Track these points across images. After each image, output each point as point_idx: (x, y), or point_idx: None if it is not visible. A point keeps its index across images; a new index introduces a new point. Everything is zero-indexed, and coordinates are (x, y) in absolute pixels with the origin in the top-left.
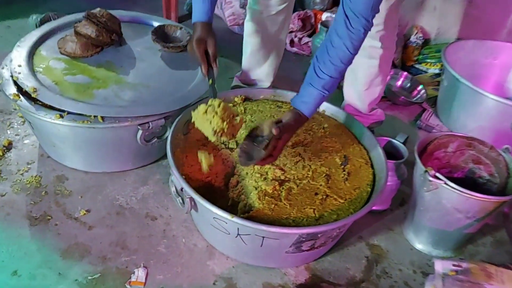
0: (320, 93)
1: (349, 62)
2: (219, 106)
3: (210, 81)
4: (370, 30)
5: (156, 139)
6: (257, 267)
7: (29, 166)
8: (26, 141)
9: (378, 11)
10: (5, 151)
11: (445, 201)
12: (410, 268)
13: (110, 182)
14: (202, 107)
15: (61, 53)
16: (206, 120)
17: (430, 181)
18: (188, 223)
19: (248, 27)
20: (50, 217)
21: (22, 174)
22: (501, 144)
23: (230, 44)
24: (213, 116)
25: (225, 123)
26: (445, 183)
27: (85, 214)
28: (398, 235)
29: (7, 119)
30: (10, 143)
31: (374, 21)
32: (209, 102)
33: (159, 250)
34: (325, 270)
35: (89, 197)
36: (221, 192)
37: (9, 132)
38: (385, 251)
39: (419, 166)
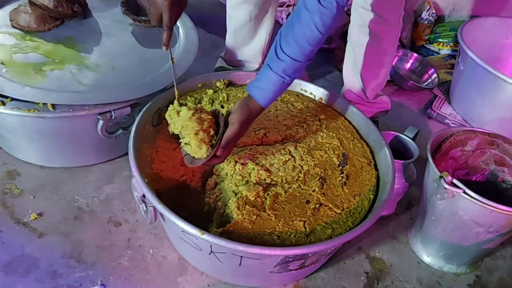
0: (279, 79)
1: (317, 43)
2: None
3: (174, 60)
4: (344, 4)
5: (121, 130)
6: (236, 285)
7: None
8: None
9: None
10: None
11: (463, 212)
12: (417, 287)
13: (70, 179)
14: (206, 121)
15: (13, 27)
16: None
17: (445, 188)
18: (158, 230)
19: None
20: None
21: None
22: None
23: (219, 19)
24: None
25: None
26: (464, 192)
27: (36, 218)
28: (404, 245)
29: None
30: None
31: None
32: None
33: (121, 264)
34: None
35: (42, 197)
36: (197, 194)
37: None
38: (388, 265)
39: (433, 170)
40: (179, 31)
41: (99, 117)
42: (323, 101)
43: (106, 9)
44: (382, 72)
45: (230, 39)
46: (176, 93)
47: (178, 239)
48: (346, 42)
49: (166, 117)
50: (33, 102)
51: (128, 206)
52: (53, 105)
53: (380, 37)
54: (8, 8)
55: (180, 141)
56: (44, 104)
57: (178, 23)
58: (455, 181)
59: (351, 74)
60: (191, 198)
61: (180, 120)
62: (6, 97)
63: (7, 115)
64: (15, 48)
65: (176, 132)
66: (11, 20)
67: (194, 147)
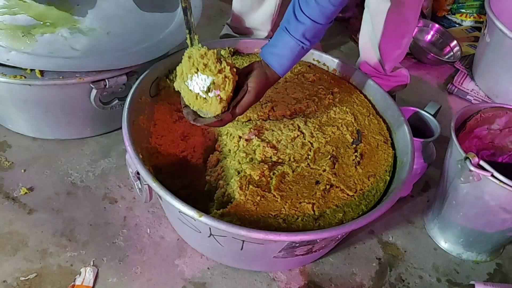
0: (297, 44)
1: (341, 3)
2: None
3: (184, 2)
4: None
5: (117, 100)
6: (238, 269)
7: None
8: None
9: None
10: None
11: (489, 197)
12: (433, 275)
13: (63, 152)
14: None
15: None
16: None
17: (470, 170)
18: (156, 208)
19: None
20: None
21: None
22: None
23: None
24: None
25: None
26: (492, 175)
27: (26, 193)
28: (419, 230)
29: None
30: None
31: None
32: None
33: (116, 244)
34: (326, 275)
35: (34, 171)
36: (198, 171)
37: None
38: (402, 251)
39: (456, 150)
40: None
41: (92, 85)
42: (337, 73)
43: None
44: (402, 43)
45: (236, 4)
46: (197, 37)
47: (176, 219)
48: (362, 11)
49: (184, 55)
50: (20, 68)
51: (125, 182)
52: (42, 72)
53: (402, 3)
54: None
55: (190, 88)
56: (32, 70)
57: None
58: (482, 163)
59: (369, 44)
60: (192, 175)
61: (203, 64)
62: None
63: None
64: (3, 9)
65: (190, 74)
66: None
67: (214, 100)
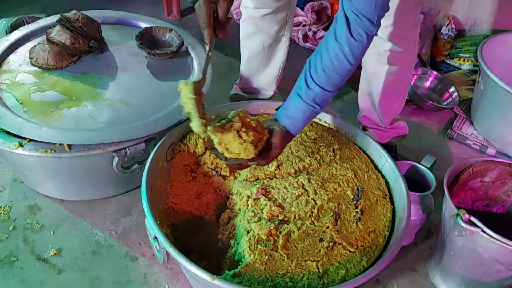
0: (309, 108)
1: (347, 74)
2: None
3: (210, 53)
4: (375, 34)
5: (137, 164)
6: None
7: None
8: None
9: (387, 10)
10: None
11: (482, 250)
12: None
13: (89, 213)
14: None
15: (32, 65)
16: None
17: (462, 226)
18: (173, 264)
19: (244, 28)
20: (16, 259)
21: None
22: None
23: (237, 42)
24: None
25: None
26: (482, 231)
27: (55, 254)
28: (423, 278)
29: None
30: None
31: (383, 20)
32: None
33: None
34: None
35: (62, 232)
36: (212, 228)
37: None
38: None
39: (450, 205)
40: (193, 62)
41: (114, 154)
42: (337, 130)
43: (122, 42)
44: (398, 100)
45: (244, 68)
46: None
47: (192, 278)
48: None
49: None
50: (50, 143)
51: (145, 239)
52: (69, 145)
53: (396, 65)
54: (28, 46)
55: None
56: (60, 144)
57: (192, 53)
58: (472, 219)
59: (367, 101)
60: (206, 232)
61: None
62: (25, 137)
63: (26, 155)
64: (33, 87)
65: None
66: (30, 58)
67: (248, 145)
